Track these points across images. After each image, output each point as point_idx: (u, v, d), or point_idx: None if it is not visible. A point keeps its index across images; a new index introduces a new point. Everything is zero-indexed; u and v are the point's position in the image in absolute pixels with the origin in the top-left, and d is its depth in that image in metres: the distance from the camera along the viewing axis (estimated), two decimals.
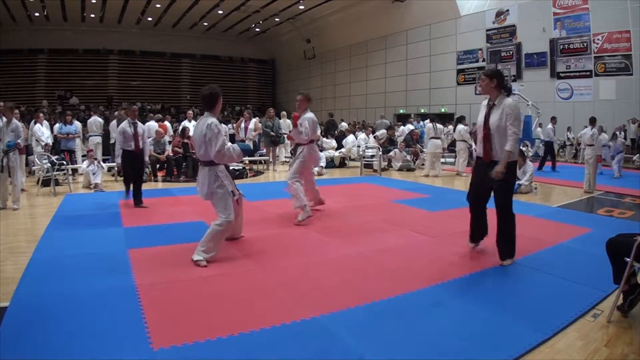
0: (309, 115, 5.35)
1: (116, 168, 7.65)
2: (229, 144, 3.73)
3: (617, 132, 11.64)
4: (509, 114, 3.49)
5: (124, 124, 6.12)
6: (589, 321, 2.67)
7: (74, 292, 2.96)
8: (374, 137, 11.98)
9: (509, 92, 3.67)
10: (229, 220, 3.68)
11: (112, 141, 9.44)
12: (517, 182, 7.51)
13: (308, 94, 5.55)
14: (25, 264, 3.55)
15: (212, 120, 3.63)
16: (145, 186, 7.08)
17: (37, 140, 8.68)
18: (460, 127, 10.04)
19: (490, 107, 3.61)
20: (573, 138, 14.25)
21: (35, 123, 8.91)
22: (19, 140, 5.91)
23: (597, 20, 13.83)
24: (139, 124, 6.27)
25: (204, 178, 3.71)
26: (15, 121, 6.03)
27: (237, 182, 9.20)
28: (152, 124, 10.36)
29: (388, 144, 11.98)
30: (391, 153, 11.29)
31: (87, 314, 2.63)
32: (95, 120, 9.90)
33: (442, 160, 11.53)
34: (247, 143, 9.94)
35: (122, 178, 7.73)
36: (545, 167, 11.18)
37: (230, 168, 9.84)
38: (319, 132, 13.16)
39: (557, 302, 2.90)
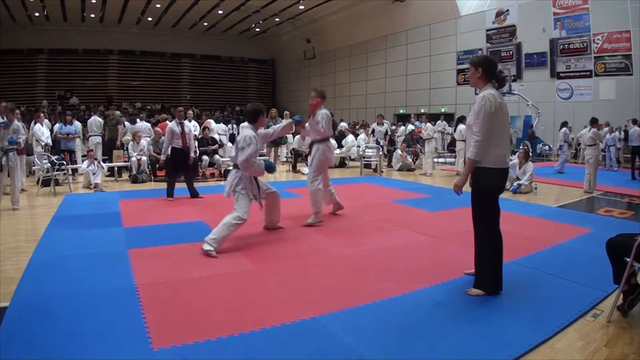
0: (324, 111, 5.17)
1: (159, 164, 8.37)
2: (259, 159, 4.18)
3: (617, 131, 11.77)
4: (475, 110, 2.91)
5: (172, 124, 6.67)
6: (589, 321, 2.67)
7: (74, 292, 2.96)
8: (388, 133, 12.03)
9: (500, 83, 3.03)
10: (242, 217, 3.97)
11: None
12: (517, 182, 7.55)
13: (323, 92, 5.29)
14: (25, 264, 3.55)
15: (250, 132, 4.06)
16: (145, 186, 7.10)
17: (37, 140, 8.68)
18: (460, 126, 10.05)
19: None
20: (572, 139, 14.26)
21: (35, 123, 8.91)
22: (20, 140, 5.91)
23: (597, 20, 13.84)
24: (185, 122, 6.82)
25: (231, 178, 4.15)
26: (16, 122, 6.05)
27: None
28: (144, 125, 10.36)
29: (389, 144, 11.99)
30: (397, 152, 11.29)
31: (87, 314, 2.63)
32: (95, 120, 9.90)
33: (442, 160, 11.53)
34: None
35: (123, 178, 7.73)
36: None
37: (230, 168, 9.89)
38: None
39: (557, 302, 2.90)
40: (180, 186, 7.14)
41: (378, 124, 11.26)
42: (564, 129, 11.68)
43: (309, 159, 5.35)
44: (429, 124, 10.65)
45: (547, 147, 14.44)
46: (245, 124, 4.28)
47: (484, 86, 2.97)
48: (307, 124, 5.24)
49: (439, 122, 16.63)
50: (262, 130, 4.41)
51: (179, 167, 6.71)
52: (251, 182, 4.13)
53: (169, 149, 6.61)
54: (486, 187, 2.94)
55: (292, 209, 5.56)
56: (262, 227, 4.89)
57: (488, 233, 2.97)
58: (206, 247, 3.80)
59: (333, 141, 12.10)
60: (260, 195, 4.25)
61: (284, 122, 4.95)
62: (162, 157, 6.97)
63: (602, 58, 13.87)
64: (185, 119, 6.84)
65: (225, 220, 3.93)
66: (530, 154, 10.88)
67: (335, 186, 8.31)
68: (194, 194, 6.71)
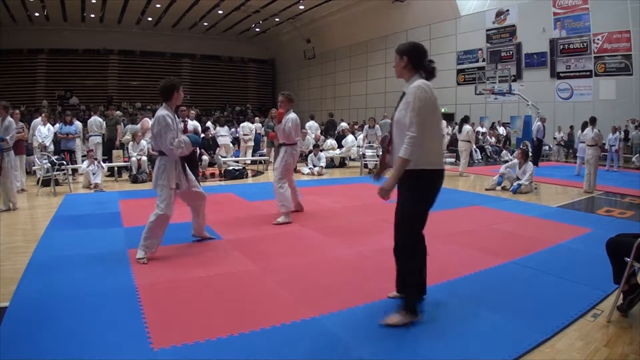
0: (292, 115, 5.30)
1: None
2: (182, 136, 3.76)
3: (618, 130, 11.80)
4: (409, 103, 2.48)
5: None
6: (589, 321, 2.67)
7: (74, 292, 2.96)
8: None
9: (429, 74, 2.61)
10: (160, 213, 3.68)
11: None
12: (517, 183, 7.55)
13: (291, 95, 5.44)
14: (25, 264, 3.55)
15: (164, 112, 3.64)
16: (145, 186, 7.10)
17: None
18: (466, 127, 10.05)
19: (401, 97, 2.63)
20: (561, 138, 14.29)
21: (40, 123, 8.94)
22: (7, 137, 5.87)
23: (597, 20, 13.83)
24: (189, 121, 6.78)
25: (155, 168, 3.80)
26: (8, 119, 6.03)
27: (237, 182, 9.22)
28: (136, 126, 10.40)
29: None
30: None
31: (87, 314, 2.63)
32: (96, 120, 9.91)
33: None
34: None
35: (123, 178, 7.71)
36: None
37: (230, 168, 9.92)
38: (318, 132, 13.21)
39: (557, 302, 2.89)
40: None
41: (370, 127, 11.25)
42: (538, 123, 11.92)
43: (276, 162, 5.55)
44: (466, 125, 10.30)
45: (547, 147, 14.45)
46: (163, 104, 3.76)
47: (410, 77, 2.61)
48: (276, 130, 5.41)
49: None
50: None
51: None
52: (175, 168, 3.76)
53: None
54: (418, 191, 2.54)
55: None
56: (261, 228, 4.89)
57: (414, 250, 2.65)
58: (138, 254, 3.61)
59: (333, 141, 12.26)
60: (188, 185, 3.90)
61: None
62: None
63: (602, 58, 13.87)
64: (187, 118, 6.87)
65: (146, 225, 3.68)
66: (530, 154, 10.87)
67: (335, 186, 8.32)
68: None
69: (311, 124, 13.02)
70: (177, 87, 3.75)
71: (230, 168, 9.74)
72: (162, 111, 3.65)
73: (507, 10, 16.28)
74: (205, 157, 9.34)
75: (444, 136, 10.82)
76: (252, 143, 12.55)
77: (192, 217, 4.26)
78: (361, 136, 12.20)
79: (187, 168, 3.93)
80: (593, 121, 8.12)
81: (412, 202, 2.56)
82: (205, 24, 25.00)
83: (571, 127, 14.35)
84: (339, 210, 5.95)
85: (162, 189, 3.72)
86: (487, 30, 17.05)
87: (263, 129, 12.51)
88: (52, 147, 8.88)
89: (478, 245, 4.21)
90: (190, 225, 4.33)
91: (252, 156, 12.29)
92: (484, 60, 17.21)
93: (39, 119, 9.15)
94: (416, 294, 2.68)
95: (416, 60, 2.60)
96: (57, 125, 9.68)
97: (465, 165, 9.98)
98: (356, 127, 15.95)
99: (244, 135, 12.39)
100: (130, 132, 9.76)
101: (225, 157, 10.37)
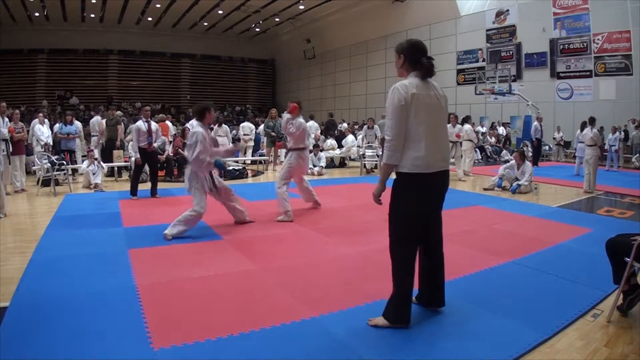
0: (299, 120, 5.46)
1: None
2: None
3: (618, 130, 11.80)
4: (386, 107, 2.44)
5: (139, 123, 6.82)
6: (589, 321, 2.67)
7: (74, 292, 2.96)
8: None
9: (426, 71, 2.48)
10: (198, 210, 4.39)
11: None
12: (516, 183, 7.55)
13: (299, 102, 5.64)
14: (25, 264, 3.55)
15: (199, 129, 4.40)
16: (145, 186, 7.10)
17: (37, 140, 8.69)
18: (466, 126, 10.03)
19: None
20: (560, 138, 14.28)
21: (37, 123, 8.92)
22: None
23: (597, 20, 13.83)
24: (152, 122, 6.96)
25: (187, 175, 4.53)
26: None
27: (237, 182, 9.23)
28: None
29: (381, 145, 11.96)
30: None
31: (87, 314, 2.63)
32: (98, 120, 9.91)
33: None
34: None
35: (123, 178, 7.69)
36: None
37: (230, 168, 9.92)
38: (318, 132, 13.21)
39: (557, 302, 2.90)
40: (180, 186, 7.15)
41: (369, 127, 11.25)
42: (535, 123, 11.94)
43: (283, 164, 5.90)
44: (467, 125, 9.94)
45: (547, 147, 14.45)
46: (194, 121, 4.78)
47: (407, 75, 2.53)
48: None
49: None
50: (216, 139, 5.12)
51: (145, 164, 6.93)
52: (204, 176, 4.50)
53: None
54: (402, 195, 2.44)
55: (292, 208, 5.56)
56: (261, 228, 4.90)
57: (396, 249, 2.51)
58: (168, 231, 4.30)
59: (333, 141, 12.26)
60: (215, 187, 4.64)
61: (230, 146, 5.58)
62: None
63: (602, 58, 13.86)
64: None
65: (183, 214, 4.37)
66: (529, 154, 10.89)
67: (335, 186, 8.33)
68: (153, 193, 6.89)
69: (311, 124, 13.02)
70: (209, 109, 4.64)
71: (230, 168, 9.74)
72: (198, 128, 4.43)
73: (507, 10, 16.27)
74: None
75: (461, 138, 10.03)
76: (252, 143, 12.55)
77: (229, 210, 4.97)
78: (360, 136, 12.21)
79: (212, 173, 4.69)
80: (592, 121, 8.12)
81: (393, 205, 2.51)
82: (205, 24, 24.99)
83: (558, 127, 14.36)
84: (339, 210, 5.95)
85: (196, 191, 4.46)
86: (487, 30, 17.04)
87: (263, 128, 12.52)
88: (49, 140, 8.87)
89: (478, 245, 4.21)
90: (198, 226, 4.64)
91: (252, 156, 12.30)
92: (484, 60, 17.20)
93: (37, 119, 9.14)
94: (396, 302, 2.49)
95: (413, 58, 2.51)
96: (57, 125, 9.69)
97: (470, 165, 9.93)
98: (356, 127, 15.95)
99: (244, 135, 12.39)
100: (130, 132, 9.75)
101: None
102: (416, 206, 2.45)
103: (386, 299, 2.55)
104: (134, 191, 6.72)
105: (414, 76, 2.49)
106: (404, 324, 2.49)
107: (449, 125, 9.17)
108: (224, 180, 9.17)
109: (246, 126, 12.67)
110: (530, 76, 15.83)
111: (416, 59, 2.50)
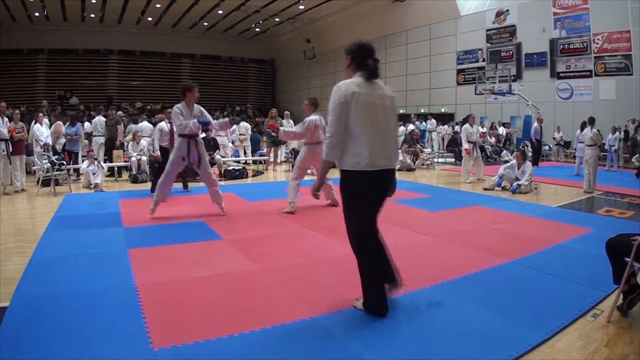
0: (312, 117, 5.74)
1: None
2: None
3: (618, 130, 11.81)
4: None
5: (162, 124, 7.16)
6: (589, 321, 2.67)
7: (74, 292, 2.96)
8: None
9: (370, 73, 2.54)
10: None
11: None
12: (516, 183, 7.55)
13: (315, 99, 6.02)
14: (25, 264, 3.55)
15: (177, 106, 5.00)
16: (145, 186, 7.11)
17: (36, 140, 8.67)
18: (466, 126, 10.00)
19: None
20: (560, 138, 14.28)
21: (35, 123, 8.90)
22: None
23: (597, 20, 13.83)
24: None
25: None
26: None
27: (237, 182, 9.22)
28: (146, 125, 10.36)
29: None
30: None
31: (87, 314, 2.63)
32: (100, 120, 9.91)
33: (442, 160, 11.46)
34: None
35: (123, 178, 7.68)
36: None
37: (230, 168, 9.92)
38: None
39: (557, 302, 2.89)
40: (180, 186, 7.13)
41: None
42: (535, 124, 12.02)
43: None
44: (467, 125, 9.34)
45: (546, 147, 14.45)
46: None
47: (353, 75, 2.60)
48: (281, 129, 6.25)
49: (431, 121, 16.67)
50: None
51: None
52: (187, 146, 4.98)
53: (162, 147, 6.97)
54: (348, 192, 2.57)
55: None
56: (261, 228, 4.89)
57: (358, 245, 2.59)
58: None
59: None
60: (197, 164, 5.11)
61: (225, 119, 5.63)
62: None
63: (602, 58, 13.87)
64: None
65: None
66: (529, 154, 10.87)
67: (335, 186, 8.29)
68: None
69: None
70: (190, 89, 5.05)
71: (230, 168, 9.74)
72: (175, 107, 5.02)
73: (507, 10, 16.28)
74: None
75: (445, 136, 10.21)
76: (247, 143, 12.56)
77: (210, 193, 5.43)
78: None
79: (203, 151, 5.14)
80: (592, 121, 8.12)
81: (343, 202, 2.65)
82: (205, 24, 24.99)
83: (558, 127, 14.38)
84: (339, 210, 5.92)
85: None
86: (487, 30, 17.05)
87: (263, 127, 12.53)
88: (48, 140, 8.85)
89: (478, 245, 4.21)
90: (194, 226, 4.83)
91: (252, 156, 12.30)
92: (484, 60, 17.21)
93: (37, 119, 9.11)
94: (369, 294, 2.60)
95: (359, 59, 2.56)
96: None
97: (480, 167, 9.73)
98: None
99: (240, 135, 12.40)
100: (132, 132, 9.76)
101: (224, 157, 10.36)
102: (361, 201, 2.55)
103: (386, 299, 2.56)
104: (155, 188, 6.67)
105: (359, 76, 2.56)
106: (380, 314, 2.59)
107: (467, 126, 9.03)
108: (224, 180, 9.21)
109: (242, 126, 12.68)
110: (530, 76, 15.84)
111: (362, 60, 2.56)
